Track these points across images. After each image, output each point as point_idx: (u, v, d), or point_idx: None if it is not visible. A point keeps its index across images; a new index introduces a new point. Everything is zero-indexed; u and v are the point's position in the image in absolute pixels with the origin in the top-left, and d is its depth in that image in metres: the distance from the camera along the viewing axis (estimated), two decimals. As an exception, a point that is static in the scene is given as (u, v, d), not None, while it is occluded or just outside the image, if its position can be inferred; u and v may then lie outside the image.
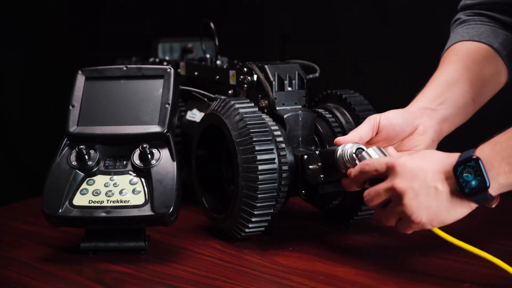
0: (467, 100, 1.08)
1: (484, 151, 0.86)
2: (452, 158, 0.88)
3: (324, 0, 1.95)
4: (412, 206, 0.88)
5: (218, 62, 1.27)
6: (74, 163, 1.00)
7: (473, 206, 0.87)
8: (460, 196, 0.86)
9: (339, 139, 0.99)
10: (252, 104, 1.04)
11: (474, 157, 0.85)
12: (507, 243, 1.05)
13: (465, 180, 0.85)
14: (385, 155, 0.94)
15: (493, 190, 0.85)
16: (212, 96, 1.16)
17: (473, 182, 0.85)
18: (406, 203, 0.88)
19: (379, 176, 0.91)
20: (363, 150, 0.95)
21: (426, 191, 0.87)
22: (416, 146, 1.03)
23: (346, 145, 0.96)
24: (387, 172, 0.90)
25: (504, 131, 0.86)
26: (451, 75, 1.09)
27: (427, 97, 1.06)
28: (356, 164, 0.94)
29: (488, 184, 0.84)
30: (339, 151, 0.96)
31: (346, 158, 0.95)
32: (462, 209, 0.87)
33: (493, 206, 0.89)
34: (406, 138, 1.03)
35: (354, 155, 0.95)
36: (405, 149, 1.03)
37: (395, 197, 0.89)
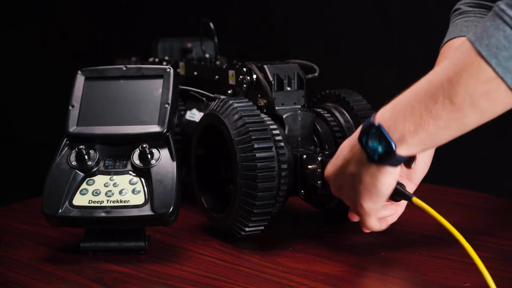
0: None
1: (385, 115, 0.85)
2: (356, 132, 0.89)
3: (324, 0, 1.95)
4: (346, 199, 0.92)
5: (218, 62, 1.27)
6: (74, 163, 1.00)
7: (392, 170, 0.87)
8: (373, 165, 0.87)
9: None
10: (251, 103, 1.04)
11: (376, 124, 0.85)
12: (506, 242, 1.05)
13: (372, 148, 0.86)
14: None
15: (403, 151, 0.84)
16: (212, 95, 1.16)
17: (379, 149, 0.85)
18: (338, 193, 0.93)
19: None
20: None
21: (345, 179, 0.91)
22: (415, 165, 1.03)
23: None
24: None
25: (402, 92, 0.86)
26: None
27: None
28: None
29: (394, 147, 0.84)
30: None
31: None
32: (385, 176, 0.87)
33: (412, 166, 0.90)
34: None
35: None
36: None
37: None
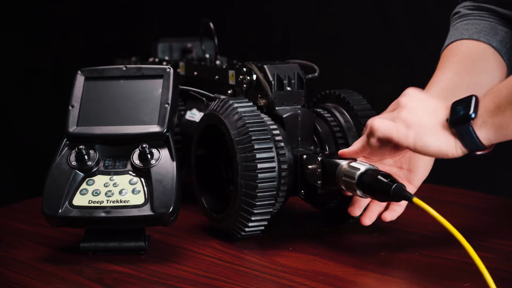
0: None
1: (486, 99, 0.88)
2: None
3: (324, 0, 1.95)
4: (408, 107, 0.92)
5: (218, 62, 1.27)
6: (73, 163, 1.00)
7: (457, 143, 0.89)
8: (447, 125, 0.89)
9: (343, 151, 0.99)
10: (251, 104, 1.04)
11: (475, 96, 0.88)
12: (506, 242, 1.05)
13: (455, 111, 0.89)
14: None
15: (477, 127, 0.87)
16: (211, 95, 1.16)
17: (460, 112, 0.88)
18: (405, 104, 0.92)
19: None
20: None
21: (425, 106, 0.92)
22: (416, 167, 1.04)
23: (354, 163, 0.96)
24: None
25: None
26: (451, 79, 1.10)
27: None
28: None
29: (471, 115, 0.87)
30: (343, 167, 0.96)
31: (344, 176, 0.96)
32: (446, 139, 0.89)
33: (478, 153, 0.91)
34: (409, 153, 1.03)
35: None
36: (405, 166, 1.04)
37: (398, 106, 0.94)
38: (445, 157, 0.91)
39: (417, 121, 0.90)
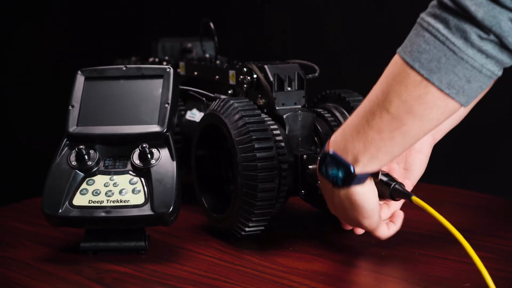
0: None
1: (336, 141, 0.88)
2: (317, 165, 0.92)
3: (324, 0, 1.95)
4: (349, 224, 0.97)
5: (218, 62, 1.27)
6: (73, 163, 1.00)
7: (363, 188, 0.89)
8: (343, 189, 0.88)
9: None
10: (252, 103, 1.04)
11: (330, 152, 0.88)
12: (506, 242, 1.05)
13: (332, 176, 0.88)
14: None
15: (362, 169, 0.86)
16: (212, 95, 1.16)
17: (340, 174, 0.87)
18: (339, 216, 0.95)
19: None
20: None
21: (335, 208, 0.93)
22: (412, 165, 1.04)
23: None
24: None
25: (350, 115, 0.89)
26: None
27: None
28: None
29: (352, 169, 0.86)
30: None
31: None
32: (359, 195, 0.89)
33: (378, 180, 0.91)
34: (404, 155, 1.03)
35: None
36: (401, 165, 1.05)
37: None
38: (376, 191, 0.92)
39: (347, 218, 0.93)
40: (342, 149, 0.87)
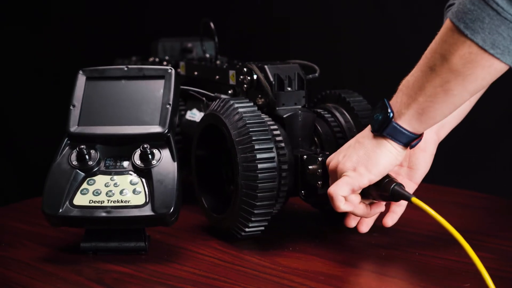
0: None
1: (396, 94, 0.93)
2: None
3: (324, 0, 1.95)
4: (344, 162, 0.95)
5: (218, 62, 1.27)
6: (74, 163, 1.00)
7: (394, 145, 0.92)
8: (377, 136, 0.93)
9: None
10: (252, 104, 1.04)
11: (384, 99, 0.93)
12: (506, 242, 1.05)
13: (375, 119, 0.93)
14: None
15: (400, 120, 0.91)
16: (212, 95, 1.16)
17: (379, 117, 0.92)
18: (340, 162, 0.95)
19: None
20: None
21: (351, 147, 0.96)
22: (416, 164, 1.05)
23: None
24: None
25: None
26: None
27: None
28: None
29: (390, 114, 0.91)
30: None
31: None
32: (385, 149, 0.93)
33: (413, 143, 0.93)
34: (409, 151, 1.03)
35: None
36: (405, 164, 1.05)
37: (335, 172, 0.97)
38: (397, 163, 0.94)
39: (354, 160, 0.94)
40: (393, 100, 0.92)
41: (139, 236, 1.00)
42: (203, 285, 0.91)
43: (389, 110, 0.91)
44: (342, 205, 0.94)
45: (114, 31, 2.21)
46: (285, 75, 1.10)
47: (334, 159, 0.97)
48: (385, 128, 0.91)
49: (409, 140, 0.92)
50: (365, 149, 0.94)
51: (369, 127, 0.95)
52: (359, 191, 0.95)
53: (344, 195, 0.93)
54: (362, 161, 0.93)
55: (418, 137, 0.92)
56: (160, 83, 1.04)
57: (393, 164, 0.93)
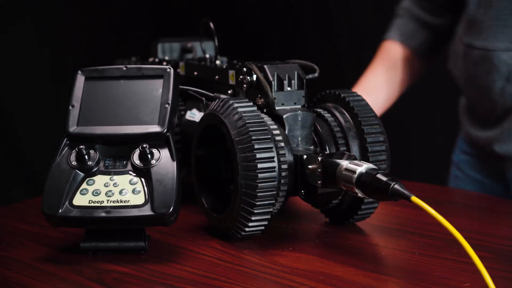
0: (381, 105, 1.46)
1: None
2: None
3: (324, 0, 1.95)
4: None
5: (218, 62, 1.27)
6: (74, 163, 1.00)
7: None
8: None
9: None
10: (251, 104, 1.04)
11: None
12: (506, 242, 1.05)
13: None
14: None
15: None
16: (211, 95, 1.16)
17: None
18: None
19: None
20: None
21: None
22: None
23: (354, 162, 0.95)
24: None
25: None
26: (374, 81, 1.46)
27: None
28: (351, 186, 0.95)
29: None
30: (343, 167, 0.96)
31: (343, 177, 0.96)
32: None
33: None
34: None
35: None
36: None
37: None
38: None
39: None
40: None
41: (139, 236, 1.00)
42: (203, 285, 0.91)
43: None
44: None
45: (114, 31, 2.21)
46: (284, 75, 1.10)
47: None
48: None
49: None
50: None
51: None
52: None
53: None
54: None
55: None
56: (159, 82, 1.04)
57: None
